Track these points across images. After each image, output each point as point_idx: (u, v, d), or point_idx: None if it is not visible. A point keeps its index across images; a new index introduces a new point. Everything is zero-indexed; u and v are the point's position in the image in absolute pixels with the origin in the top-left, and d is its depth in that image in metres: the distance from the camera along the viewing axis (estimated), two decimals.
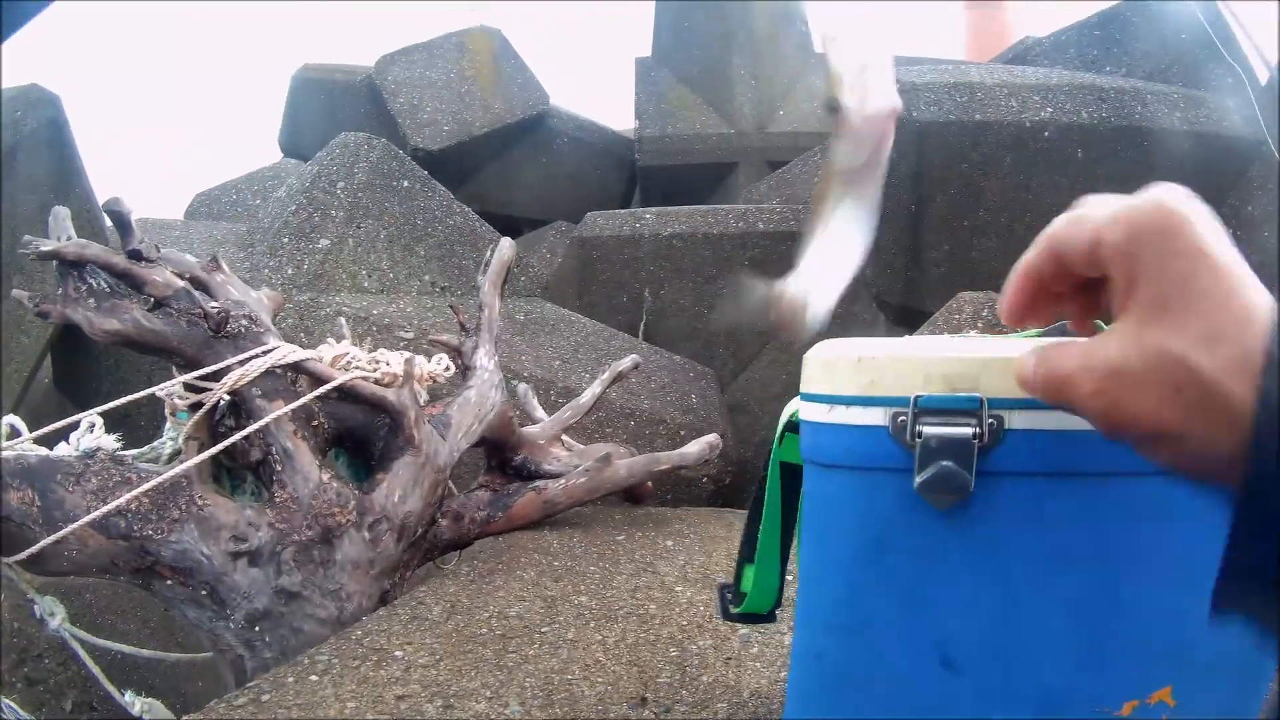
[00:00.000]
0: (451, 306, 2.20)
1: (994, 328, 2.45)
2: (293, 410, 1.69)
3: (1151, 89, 3.16)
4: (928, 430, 0.70)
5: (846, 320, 3.68)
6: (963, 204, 3.07)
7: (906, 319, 3.14)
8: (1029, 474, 0.70)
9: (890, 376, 0.72)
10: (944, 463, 0.69)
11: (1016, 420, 0.70)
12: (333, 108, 5.61)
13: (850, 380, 0.73)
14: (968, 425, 0.70)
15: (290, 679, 1.26)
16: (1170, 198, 0.53)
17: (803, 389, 0.78)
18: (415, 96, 5.28)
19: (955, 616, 0.73)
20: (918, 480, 0.70)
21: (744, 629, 1.42)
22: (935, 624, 0.74)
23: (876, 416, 0.72)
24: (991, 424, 0.70)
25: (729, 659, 1.33)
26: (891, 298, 3.29)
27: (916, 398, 0.71)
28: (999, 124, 2.99)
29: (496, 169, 5.45)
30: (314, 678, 1.26)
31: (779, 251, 3.91)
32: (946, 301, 2.69)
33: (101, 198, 3.27)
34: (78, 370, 3.43)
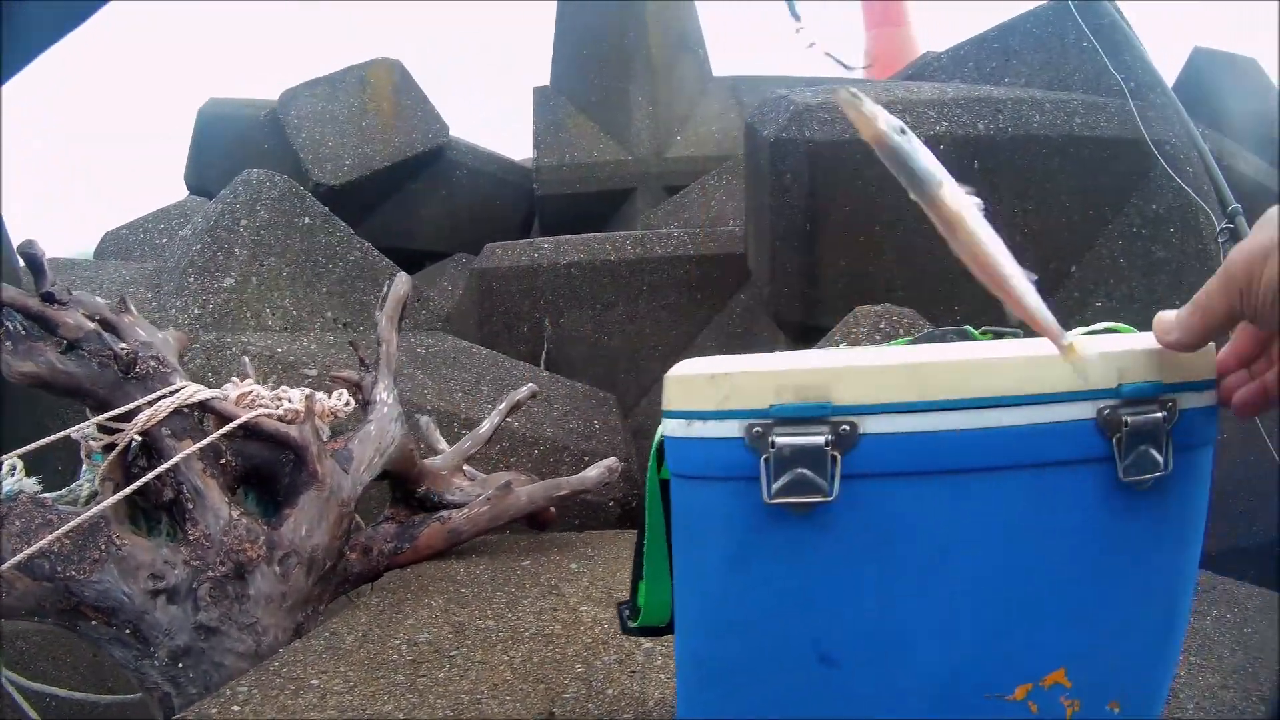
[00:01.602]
0: (351, 343, 2.25)
1: (890, 339, 2.54)
2: (201, 449, 1.73)
3: (1050, 98, 3.25)
4: (780, 440, 0.74)
5: (747, 340, 3.76)
6: (858, 221, 3.11)
7: (806, 335, 3.19)
8: (889, 475, 0.74)
9: (743, 391, 0.75)
10: (799, 470, 0.73)
11: (871, 425, 0.74)
12: (238, 143, 5.56)
13: (706, 396, 0.77)
14: (819, 434, 0.73)
15: (214, 710, 1.31)
16: None
17: (664, 407, 0.81)
18: (318, 131, 5.28)
19: (828, 614, 0.77)
20: (774, 487, 0.73)
21: (647, 643, 1.49)
22: (808, 622, 0.77)
23: (732, 429, 0.76)
24: (845, 429, 0.74)
25: (633, 672, 1.40)
26: (791, 315, 3.35)
27: (769, 408, 0.74)
28: None
29: (398, 202, 5.47)
30: (236, 708, 1.31)
31: (676, 275, 4.01)
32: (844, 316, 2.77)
33: (14, 235, 3.23)
34: None
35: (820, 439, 0.73)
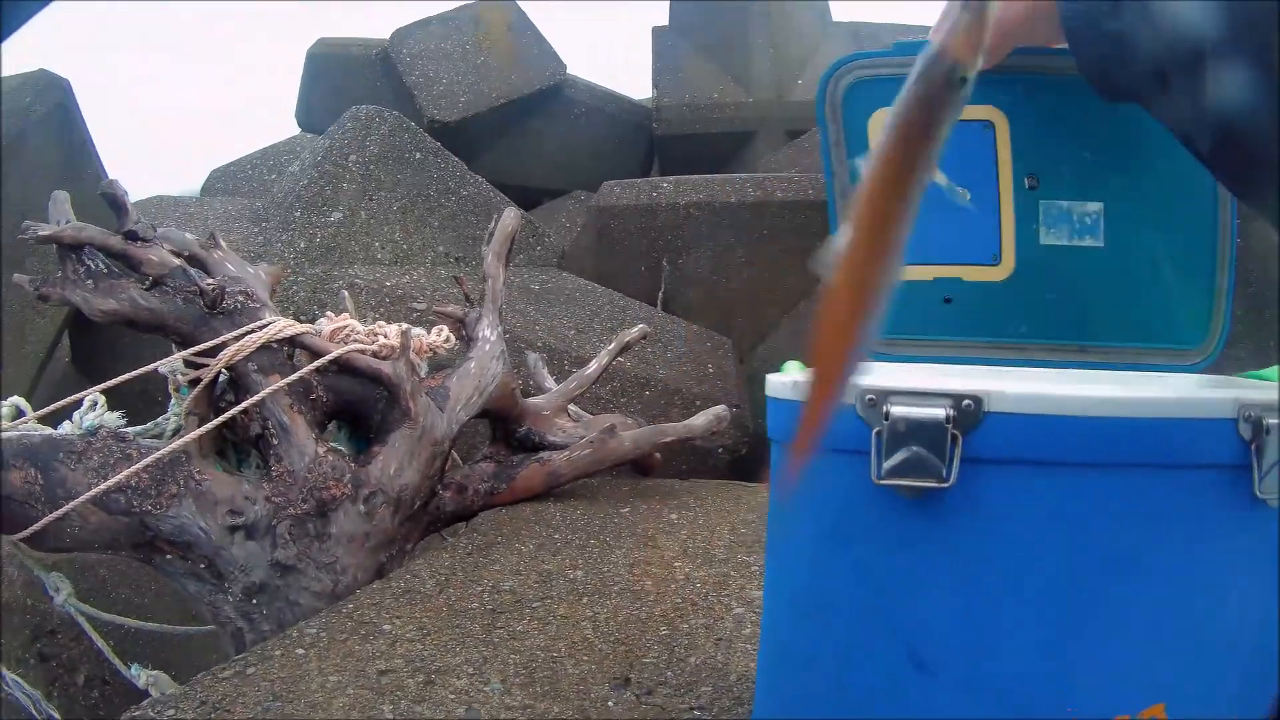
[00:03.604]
0: (456, 278, 2.19)
1: None
2: (288, 384, 1.69)
3: None
4: (896, 411, 0.65)
5: None
6: None
7: None
8: (1012, 461, 0.65)
9: None
10: (914, 448, 0.64)
11: (998, 402, 0.64)
12: (348, 81, 5.55)
13: None
14: (940, 406, 0.64)
15: (278, 652, 1.26)
16: None
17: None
18: (431, 69, 5.23)
19: (927, 613, 0.68)
20: (885, 466, 0.65)
21: (738, 608, 1.40)
22: (904, 619, 0.69)
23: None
24: (969, 405, 0.64)
25: (719, 640, 1.31)
26: None
27: None
28: None
29: (514, 139, 5.41)
30: (300, 651, 1.26)
31: (796, 221, 3.87)
32: None
33: (121, 174, 3.29)
34: (95, 350, 3.45)
35: (941, 413, 0.64)
